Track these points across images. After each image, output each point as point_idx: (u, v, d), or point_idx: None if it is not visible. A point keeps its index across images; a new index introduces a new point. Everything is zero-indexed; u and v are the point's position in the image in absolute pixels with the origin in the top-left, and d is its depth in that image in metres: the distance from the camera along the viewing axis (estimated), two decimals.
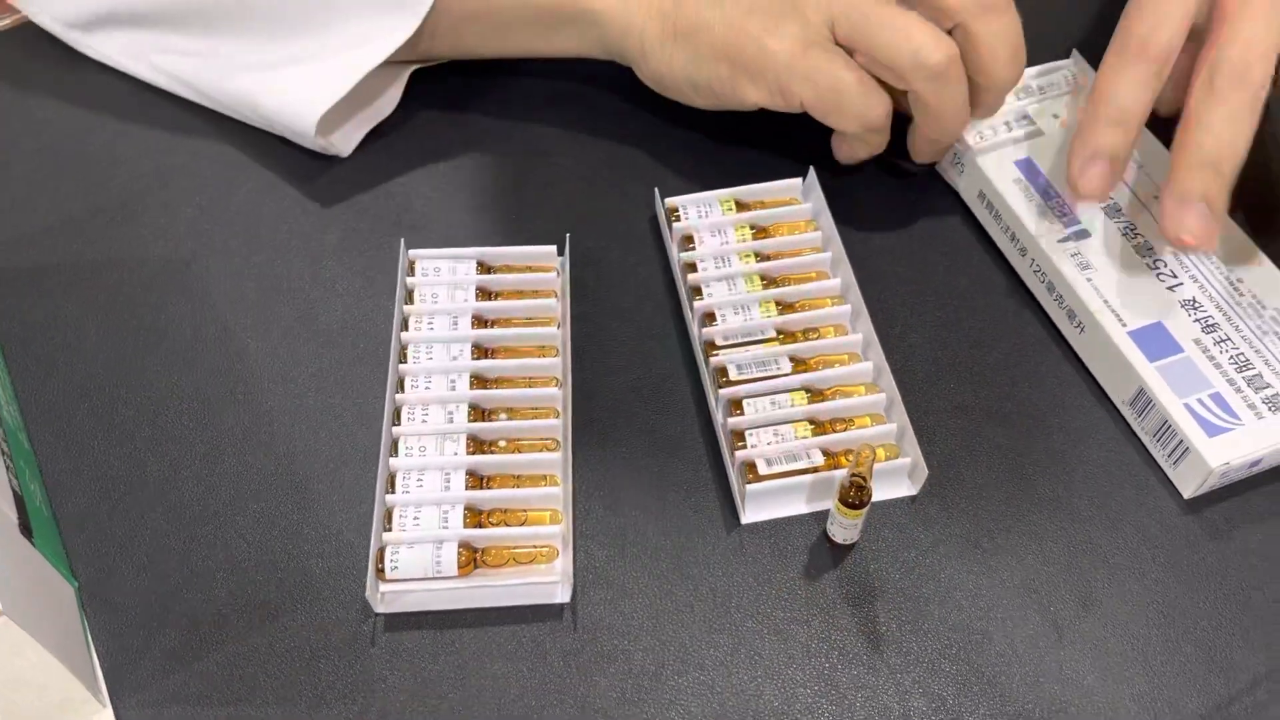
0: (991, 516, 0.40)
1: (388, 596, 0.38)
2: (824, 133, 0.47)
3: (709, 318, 0.44)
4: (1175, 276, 0.43)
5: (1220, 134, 0.39)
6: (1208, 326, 0.42)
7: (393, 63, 0.48)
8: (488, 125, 0.52)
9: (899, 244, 0.48)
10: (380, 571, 0.37)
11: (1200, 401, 0.40)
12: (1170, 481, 0.41)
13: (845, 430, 0.41)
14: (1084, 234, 0.45)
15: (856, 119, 0.43)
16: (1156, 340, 0.41)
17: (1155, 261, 0.44)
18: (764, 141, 0.51)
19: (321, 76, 0.47)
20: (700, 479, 0.41)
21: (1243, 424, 0.39)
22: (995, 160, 0.47)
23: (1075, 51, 0.50)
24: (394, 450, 0.40)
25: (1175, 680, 0.37)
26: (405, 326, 0.43)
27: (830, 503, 0.39)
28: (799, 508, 0.40)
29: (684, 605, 0.38)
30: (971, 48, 0.42)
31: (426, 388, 0.42)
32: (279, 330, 0.45)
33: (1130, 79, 0.41)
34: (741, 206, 0.47)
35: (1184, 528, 0.40)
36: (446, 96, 0.53)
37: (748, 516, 0.40)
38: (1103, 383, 0.43)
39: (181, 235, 0.48)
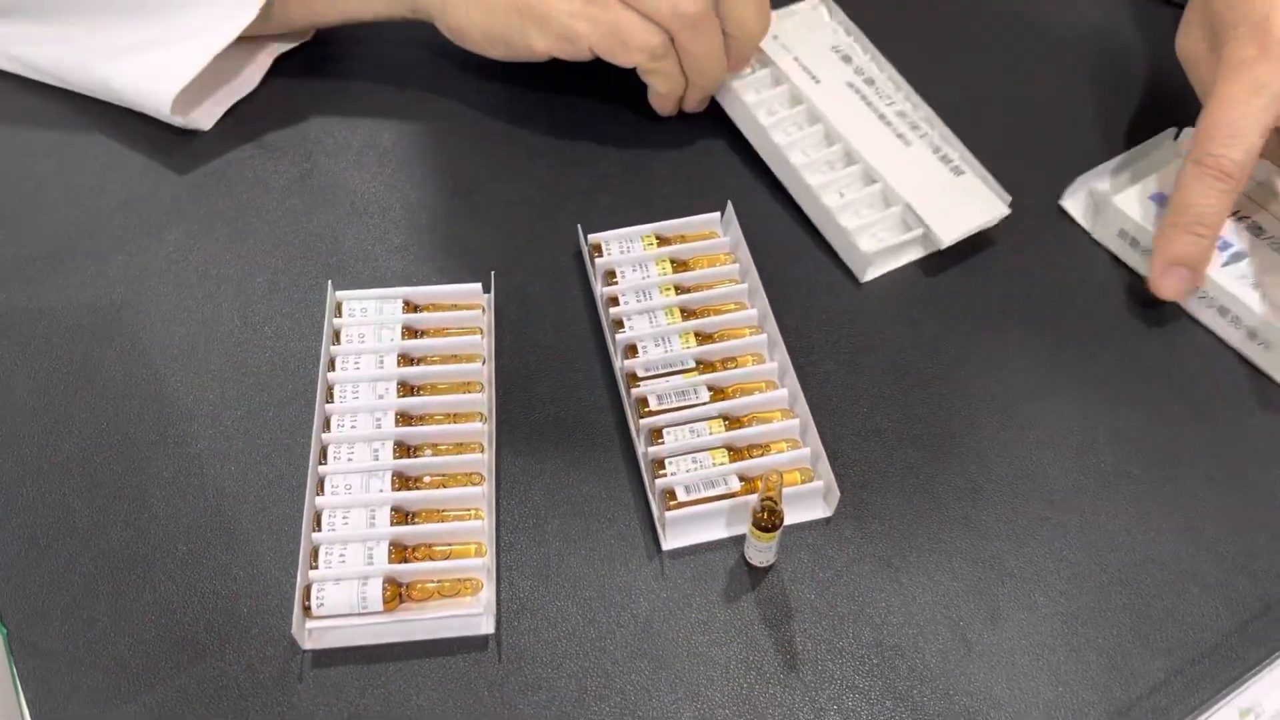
0: (903, 536, 0.42)
1: (314, 633, 0.39)
2: (743, 166, 0.48)
3: (631, 350, 0.45)
4: None
5: None
6: None
7: (248, 38, 0.52)
8: (412, 167, 0.53)
9: (814, 273, 0.49)
10: (307, 608, 0.38)
11: None
12: (1078, 497, 0.42)
13: (761, 456, 0.42)
14: (1240, 255, 0.46)
15: (640, 49, 0.48)
16: None
17: None
18: (684, 176, 0.52)
19: (175, 57, 0.51)
20: (623, 507, 0.42)
21: None
22: (1136, 196, 0.49)
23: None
24: (320, 489, 0.41)
25: (1080, 688, 0.38)
26: (332, 367, 0.44)
27: (747, 527, 0.40)
28: (718, 532, 0.42)
29: (606, 632, 0.39)
30: (724, 1, 0.48)
31: (353, 426, 0.42)
32: (208, 374, 0.46)
33: (1208, 192, 0.43)
34: (662, 241, 0.49)
35: (1087, 542, 0.41)
36: (370, 139, 0.54)
37: (668, 543, 0.41)
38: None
39: (111, 281, 0.49)
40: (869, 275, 0.49)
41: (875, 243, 0.49)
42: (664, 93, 0.51)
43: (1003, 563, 0.41)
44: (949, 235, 0.48)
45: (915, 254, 0.50)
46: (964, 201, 0.49)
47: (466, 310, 0.47)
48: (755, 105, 0.52)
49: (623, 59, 0.48)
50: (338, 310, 0.46)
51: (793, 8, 0.56)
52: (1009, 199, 0.49)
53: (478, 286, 0.47)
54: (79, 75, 0.53)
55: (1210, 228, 0.44)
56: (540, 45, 0.49)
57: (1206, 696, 0.37)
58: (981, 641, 0.39)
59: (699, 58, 0.49)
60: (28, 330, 0.47)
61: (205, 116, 0.54)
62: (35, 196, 0.52)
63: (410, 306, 0.46)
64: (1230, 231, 0.47)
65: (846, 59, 0.54)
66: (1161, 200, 0.49)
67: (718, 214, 0.50)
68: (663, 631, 0.39)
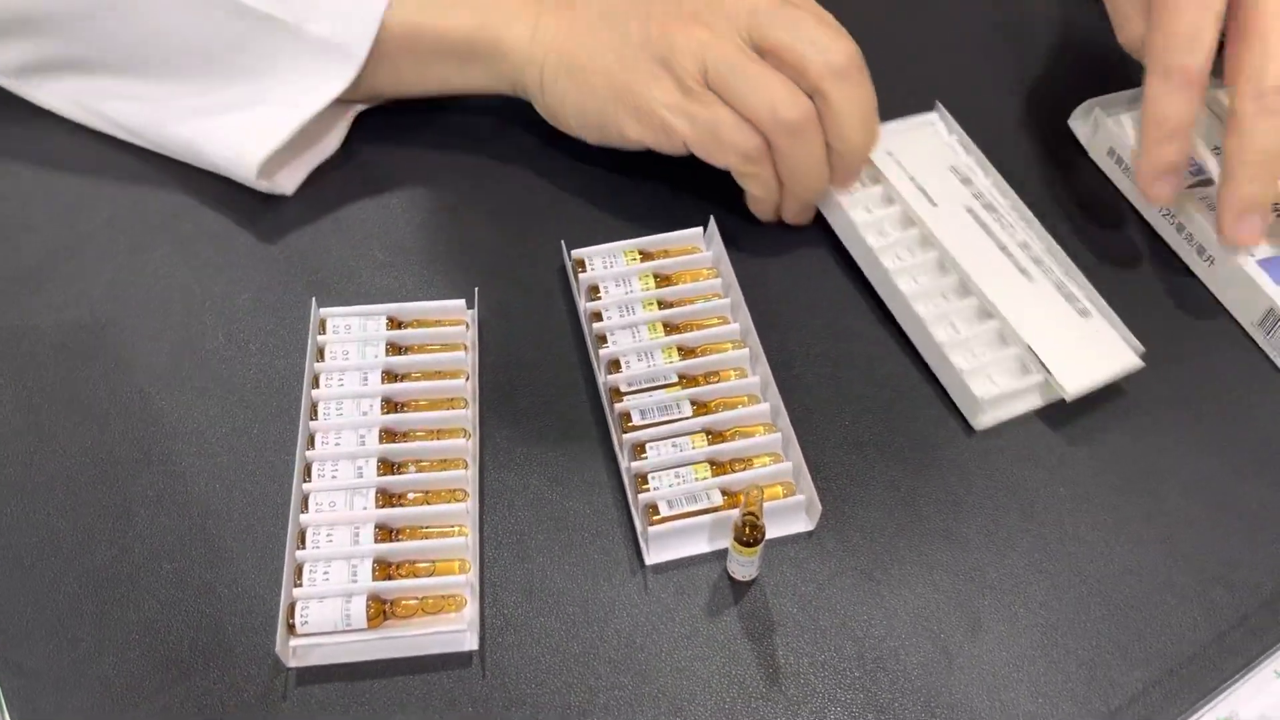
0: (885, 549, 0.42)
1: (299, 651, 0.39)
2: (723, 182, 0.49)
3: (614, 365, 0.46)
4: None
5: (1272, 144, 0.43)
6: None
7: (336, 102, 0.51)
8: (396, 184, 0.53)
9: (795, 288, 0.50)
10: (291, 626, 0.38)
11: None
12: (1057, 508, 0.43)
13: (744, 470, 0.43)
14: (1208, 181, 0.49)
15: (733, 150, 0.46)
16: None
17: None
18: (667, 191, 0.53)
19: (262, 122, 0.49)
20: (606, 523, 0.43)
21: None
22: (1129, 120, 0.53)
23: (938, 103, 0.53)
24: (304, 506, 0.41)
25: (1059, 699, 0.38)
26: (316, 384, 0.44)
27: (729, 541, 0.40)
28: (701, 547, 0.42)
29: (590, 647, 0.39)
30: (827, 112, 0.45)
31: (337, 444, 0.43)
32: (193, 391, 0.46)
33: (1179, 100, 0.45)
34: (645, 256, 0.49)
35: (1066, 553, 0.42)
36: (355, 158, 0.54)
37: (651, 557, 0.42)
38: (1231, 308, 0.48)
39: (96, 300, 0.49)
40: (983, 424, 0.45)
41: (991, 387, 0.45)
42: (759, 197, 0.49)
43: (983, 575, 0.41)
44: (1075, 385, 0.44)
45: (1033, 403, 0.46)
46: (1090, 347, 0.45)
47: (450, 326, 0.47)
48: (864, 225, 0.49)
49: (718, 159, 0.47)
50: (321, 327, 0.46)
51: (909, 120, 0.53)
52: (1141, 349, 0.45)
53: (461, 303, 0.47)
54: (157, 133, 0.52)
55: (1187, 132, 0.45)
56: (634, 134, 0.48)
57: (1184, 706, 0.38)
58: (962, 653, 0.39)
59: (797, 166, 0.47)
60: (12, 349, 0.47)
61: (288, 180, 0.52)
62: (20, 215, 0.52)
63: (394, 323, 0.47)
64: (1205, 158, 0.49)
65: (966, 180, 0.51)
66: None
67: (700, 229, 0.50)
68: (646, 646, 0.39)
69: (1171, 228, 0.51)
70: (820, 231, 0.52)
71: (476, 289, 0.48)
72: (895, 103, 0.51)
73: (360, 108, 0.54)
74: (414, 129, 0.55)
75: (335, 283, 0.50)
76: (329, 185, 0.53)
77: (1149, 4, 0.45)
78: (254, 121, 0.50)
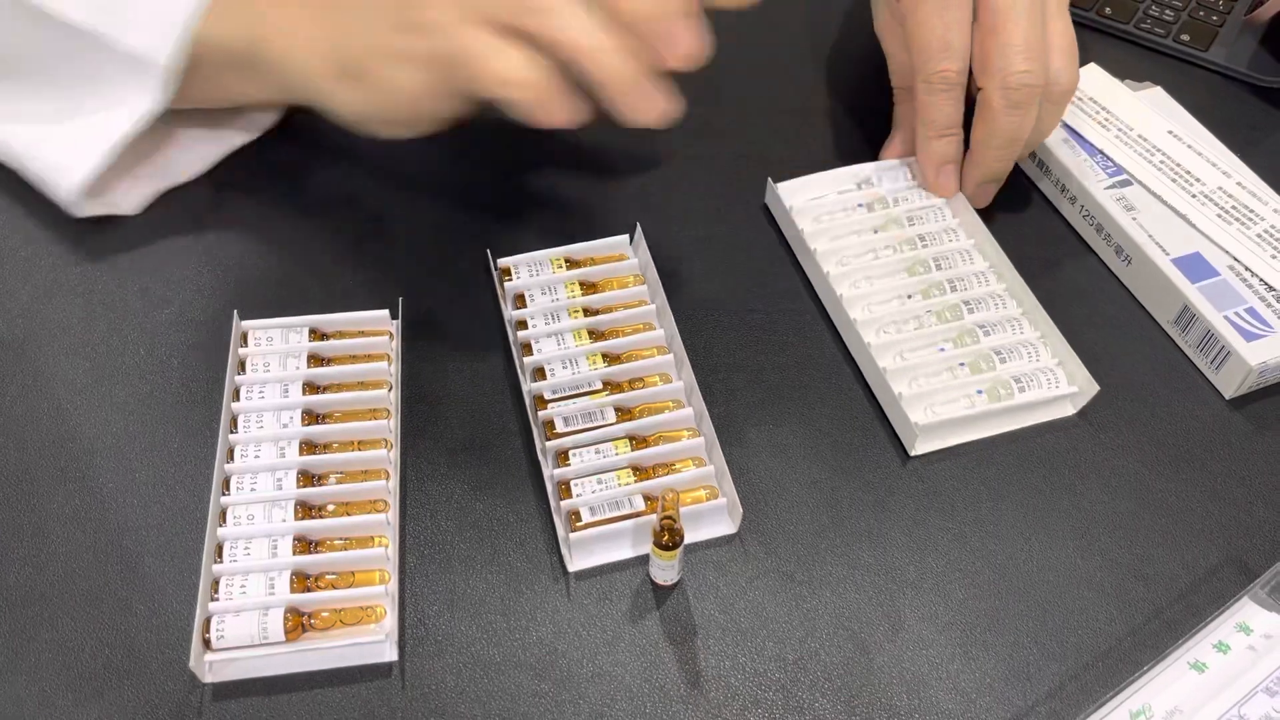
0: (807, 550, 0.42)
1: (214, 665, 0.38)
2: (650, 189, 0.49)
3: (539, 373, 0.46)
4: (1205, 212, 0.50)
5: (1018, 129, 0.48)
6: (1235, 259, 0.48)
7: (197, 124, 0.50)
8: (322, 195, 0.53)
9: (721, 293, 0.50)
10: (206, 641, 0.38)
11: (1237, 314, 0.46)
12: (975, 506, 0.43)
13: (667, 474, 0.43)
14: (1126, 183, 0.51)
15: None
16: (1196, 266, 0.48)
17: (1191, 198, 0.50)
18: (594, 199, 0.53)
19: (80, 139, 0.48)
20: (530, 530, 0.42)
21: (1276, 331, 0.46)
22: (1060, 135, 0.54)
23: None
24: (222, 519, 0.41)
25: (978, 695, 0.39)
26: (236, 397, 0.44)
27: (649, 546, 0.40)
28: (624, 552, 0.42)
29: (510, 655, 0.39)
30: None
31: (256, 456, 0.42)
32: (112, 407, 0.45)
33: (944, 102, 0.49)
34: (572, 264, 0.49)
35: (985, 551, 0.42)
36: (279, 166, 0.54)
37: (574, 564, 0.41)
38: (1148, 306, 0.50)
39: (15, 317, 0.48)
40: (917, 449, 0.45)
41: (924, 401, 0.46)
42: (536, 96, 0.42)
43: (904, 573, 0.42)
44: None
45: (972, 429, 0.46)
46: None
47: (374, 336, 0.47)
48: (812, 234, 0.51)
49: (521, 107, 0.41)
50: (244, 340, 0.46)
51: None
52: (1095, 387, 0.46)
53: (385, 313, 0.47)
54: None
55: (956, 128, 0.50)
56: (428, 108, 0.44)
57: (1099, 698, 0.38)
58: (883, 652, 0.40)
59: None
60: None
61: (126, 200, 0.51)
62: None
63: (317, 334, 0.46)
64: (1139, 171, 0.52)
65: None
66: (1080, 139, 0.54)
67: (626, 237, 0.50)
68: (567, 653, 0.39)
69: (1091, 229, 0.52)
70: (745, 236, 0.52)
71: (400, 298, 0.48)
72: None
73: (240, 141, 0.53)
74: (338, 135, 0.55)
75: (260, 293, 0.49)
76: (253, 197, 0.53)
77: (906, 36, 0.50)
78: (72, 139, 0.48)
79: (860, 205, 0.52)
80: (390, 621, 0.39)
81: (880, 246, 0.50)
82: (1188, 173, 0.51)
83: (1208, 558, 0.42)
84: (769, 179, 0.52)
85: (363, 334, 0.47)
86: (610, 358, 0.46)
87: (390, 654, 0.39)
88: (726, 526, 0.43)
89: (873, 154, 0.54)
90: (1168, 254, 0.48)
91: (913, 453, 0.45)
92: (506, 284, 0.48)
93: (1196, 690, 0.38)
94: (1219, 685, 0.38)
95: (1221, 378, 0.46)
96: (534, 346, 0.46)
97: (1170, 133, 0.53)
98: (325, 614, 0.39)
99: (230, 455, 0.42)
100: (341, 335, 0.47)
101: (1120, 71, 0.57)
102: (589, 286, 0.49)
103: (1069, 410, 0.46)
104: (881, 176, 0.53)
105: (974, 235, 0.50)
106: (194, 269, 0.50)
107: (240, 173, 0.53)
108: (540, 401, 0.45)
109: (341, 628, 0.39)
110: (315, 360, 0.45)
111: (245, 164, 0.53)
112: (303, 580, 0.40)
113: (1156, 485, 0.44)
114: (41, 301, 0.49)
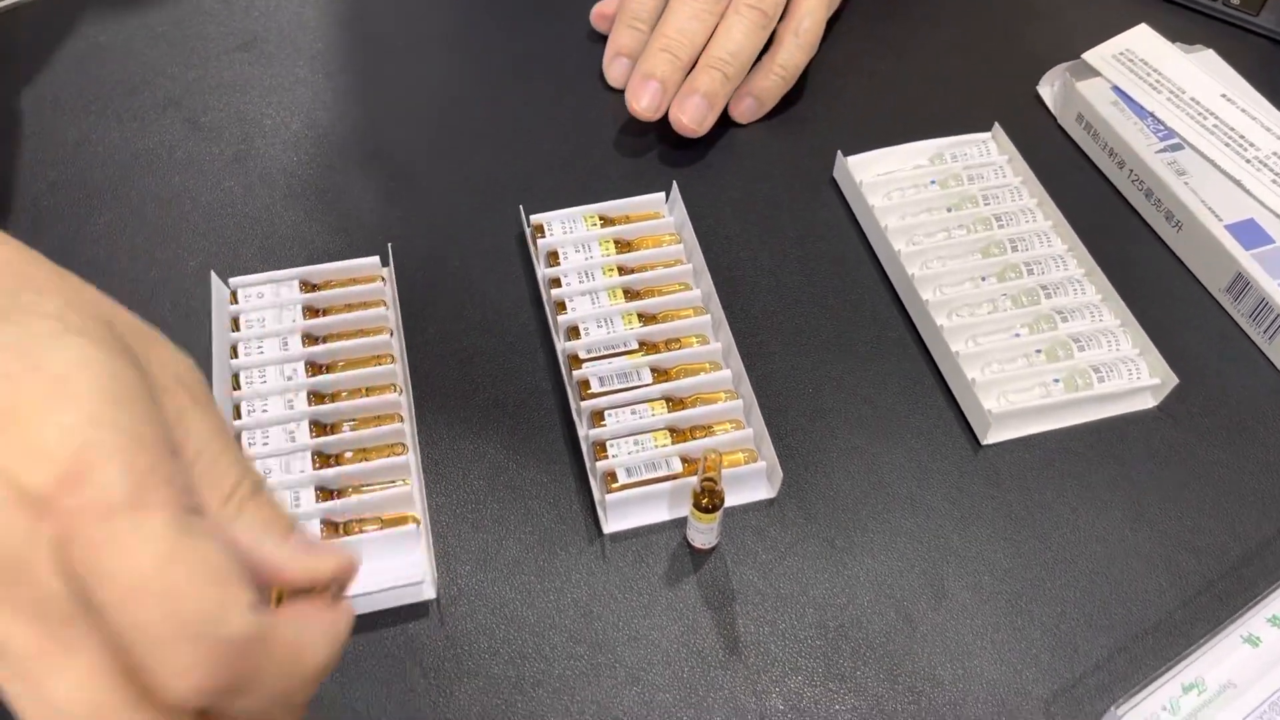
0: (848, 516, 0.41)
1: None
2: (686, 147, 0.47)
3: (573, 332, 0.44)
4: (1260, 178, 0.48)
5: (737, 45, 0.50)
6: None
7: None
8: (352, 150, 0.52)
9: (760, 254, 0.49)
10: None
11: None
12: (1022, 475, 0.42)
13: (704, 437, 0.42)
14: (1177, 146, 0.50)
15: None
16: (1250, 233, 0.46)
17: (1246, 164, 0.49)
18: (629, 158, 0.52)
19: None
20: (564, 491, 0.41)
21: None
22: (1095, 86, 0.52)
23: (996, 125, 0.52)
24: None
25: (1023, 666, 0.38)
26: (235, 354, 0.43)
27: (688, 508, 0.39)
28: (660, 515, 0.41)
29: (544, 616, 0.38)
30: None
31: (264, 410, 0.41)
32: None
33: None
34: (606, 221, 0.48)
35: (1031, 520, 0.41)
36: (310, 121, 0.53)
37: (609, 526, 0.41)
38: (1199, 274, 0.48)
39: None
40: (988, 439, 0.43)
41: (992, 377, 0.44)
42: None
43: (948, 542, 0.40)
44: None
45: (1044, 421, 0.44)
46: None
47: (367, 284, 0.46)
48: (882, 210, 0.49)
49: None
50: (233, 298, 0.45)
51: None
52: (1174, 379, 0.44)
53: (375, 259, 0.46)
54: None
55: (644, 23, 0.54)
56: None
57: (1149, 672, 0.37)
58: (926, 621, 0.39)
59: None
60: None
61: None
62: None
63: (308, 286, 0.45)
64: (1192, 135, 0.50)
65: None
66: (1130, 101, 0.52)
67: (662, 194, 0.49)
68: (603, 615, 0.38)
69: (1140, 194, 0.50)
70: (784, 196, 0.51)
71: (390, 245, 0.47)
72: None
73: None
74: (371, 96, 0.54)
75: (284, 249, 0.48)
76: (280, 151, 0.51)
77: None
78: None
79: (933, 182, 0.50)
80: (427, 563, 0.38)
81: (954, 226, 0.48)
82: (1242, 137, 0.50)
83: (1260, 530, 0.41)
84: (838, 152, 0.51)
85: (354, 281, 0.46)
86: (646, 318, 0.45)
87: (430, 593, 0.38)
88: (765, 491, 0.42)
89: (947, 129, 0.52)
90: (1220, 220, 0.47)
91: (984, 441, 0.43)
92: (539, 241, 0.47)
93: (1250, 664, 0.36)
94: (1273, 659, 0.36)
95: (1275, 347, 0.45)
96: (568, 305, 0.45)
97: (1224, 96, 0.52)
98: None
99: (238, 412, 0.41)
100: (330, 285, 0.46)
101: (1170, 35, 0.55)
102: (624, 245, 0.48)
103: (1149, 403, 0.44)
104: (955, 153, 0.51)
105: (1051, 216, 0.49)
106: (169, 231, 0.49)
107: (268, 124, 0.52)
108: (574, 361, 0.44)
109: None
110: (310, 312, 0.45)
111: (275, 115, 0.51)
112: (332, 528, 0.39)
113: (1206, 456, 0.43)
114: (67, 252, 0.48)
